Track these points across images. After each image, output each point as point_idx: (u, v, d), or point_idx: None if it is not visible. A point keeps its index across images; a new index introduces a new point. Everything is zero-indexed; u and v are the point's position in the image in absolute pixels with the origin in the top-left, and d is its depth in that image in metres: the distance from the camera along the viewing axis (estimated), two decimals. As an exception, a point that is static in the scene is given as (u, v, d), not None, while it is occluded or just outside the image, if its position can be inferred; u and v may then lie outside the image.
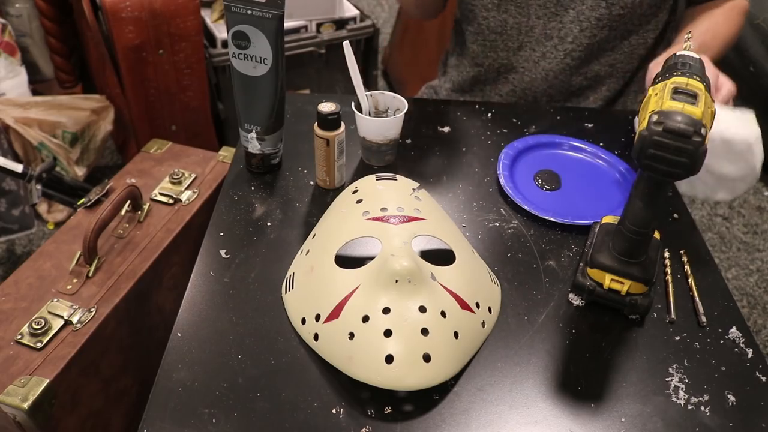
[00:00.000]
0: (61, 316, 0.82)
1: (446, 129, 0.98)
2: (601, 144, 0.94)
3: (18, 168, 1.31)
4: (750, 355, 0.66)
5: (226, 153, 1.15)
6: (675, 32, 1.06)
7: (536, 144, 0.93)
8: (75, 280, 0.88)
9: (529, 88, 1.07)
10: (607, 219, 0.73)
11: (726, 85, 0.82)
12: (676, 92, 0.58)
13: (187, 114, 1.81)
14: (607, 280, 0.67)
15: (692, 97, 0.58)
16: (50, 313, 0.83)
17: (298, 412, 0.58)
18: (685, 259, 0.76)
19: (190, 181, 1.08)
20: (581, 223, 0.79)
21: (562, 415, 0.59)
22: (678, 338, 0.67)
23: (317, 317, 0.62)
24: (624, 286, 0.66)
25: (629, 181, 0.87)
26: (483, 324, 0.64)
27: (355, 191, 0.72)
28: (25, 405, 0.72)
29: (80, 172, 1.77)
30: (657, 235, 0.71)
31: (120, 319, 0.87)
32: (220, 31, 1.79)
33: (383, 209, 0.67)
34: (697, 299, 0.71)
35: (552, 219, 0.79)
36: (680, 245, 0.79)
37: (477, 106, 1.04)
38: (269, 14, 0.74)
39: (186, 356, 0.63)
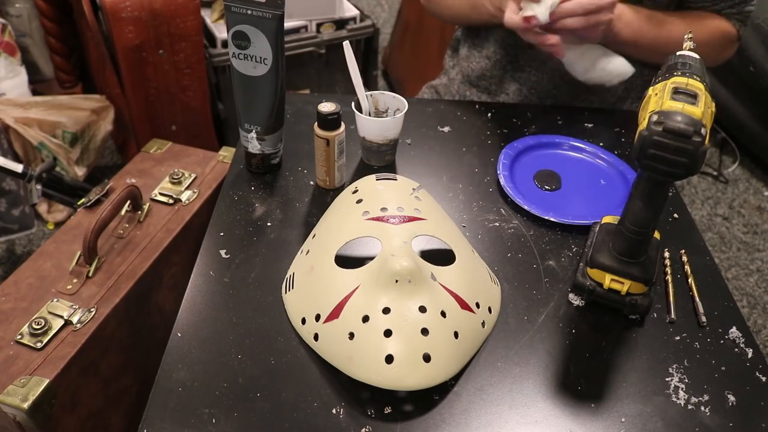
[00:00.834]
0: (61, 316, 0.82)
1: (446, 129, 0.98)
2: (601, 144, 0.94)
3: (18, 168, 1.31)
4: (750, 355, 0.66)
5: (226, 153, 1.15)
6: None
7: (536, 144, 0.93)
8: (75, 280, 0.88)
9: (535, 87, 1.07)
10: (607, 219, 0.73)
11: None
12: (676, 92, 0.58)
13: (187, 114, 1.81)
14: (607, 280, 0.67)
15: (692, 97, 0.58)
16: (50, 313, 0.83)
17: (298, 412, 0.58)
18: (685, 259, 0.76)
19: (190, 181, 1.08)
20: (581, 223, 0.79)
21: (562, 415, 0.59)
22: (678, 338, 0.67)
23: (317, 317, 0.62)
24: (624, 286, 0.66)
25: (629, 181, 0.87)
26: (483, 324, 0.64)
27: (355, 191, 0.72)
28: (25, 405, 0.72)
29: (80, 172, 1.77)
30: (657, 235, 0.71)
31: (120, 319, 0.87)
32: (220, 31, 1.79)
33: (383, 209, 0.67)
34: (697, 299, 0.71)
35: (552, 219, 0.79)
36: (680, 245, 0.79)
37: (477, 106, 1.04)
38: (269, 14, 0.74)
39: (186, 356, 0.63)
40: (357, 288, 0.61)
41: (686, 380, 0.63)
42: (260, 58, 0.77)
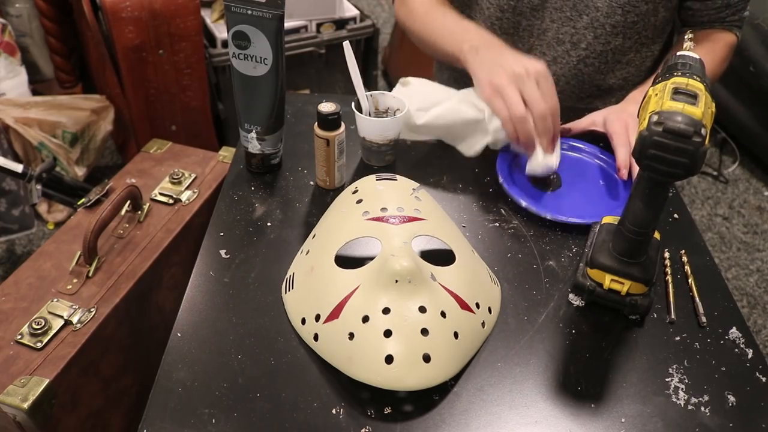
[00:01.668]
0: (61, 316, 0.82)
1: (446, 129, 0.97)
2: (600, 144, 0.94)
3: (18, 168, 1.31)
4: (750, 356, 0.66)
5: (226, 153, 1.15)
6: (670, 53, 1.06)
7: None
8: (75, 280, 0.88)
9: None
10: (607, 219, 0.73)
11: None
12: (677, 92, 0.58)
13: (187, 114, 1.81)
14: (607, 281, 0.67)
15: (692, 97, 0.58)
16: (50, 313, 0.83)
17: (298, 412, 0.58)
18: (685, 259, 0.76)
19: (190, 181, 1.08)
20: (581, 223, 0.79)
21: (562, 415, 0.59)
22: (678, 338, 0.67)
23: (317, 317, 0.62)
24: (624, 286, 0.66)
25: (629, 182, 0.87)
26: (483, 324, 0.64)
27: (355, 191, 0.72)
28: (25, 405, 0.72)
29: (80, 172, 1.77)
30: (657, 235, 0.71)
31: (120, 319, 0.87)
32: (220, 31, 1.79)
33: (383, 209, 0.67)
34: (697, 299, 0.71)
35: (552, 219, 0.79)
36: (680, 245, 0.79)
37: (477, 106, 1.03)
38: (269, 14, 0.74)
39: (186, 356, 0.63)
40: (357, 288, 0.61)
41: (686, 380, 0.63)
42: (260, 58, 0.77)
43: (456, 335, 0.60)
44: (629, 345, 0.66)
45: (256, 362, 0.62)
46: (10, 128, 1.65)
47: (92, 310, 0.84)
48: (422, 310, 0.59)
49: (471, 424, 0.58)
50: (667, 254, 0.77)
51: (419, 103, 0.86)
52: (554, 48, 1.02)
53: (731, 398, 0.61)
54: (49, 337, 0.80)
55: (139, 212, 0.99)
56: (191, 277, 0.71)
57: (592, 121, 0.94)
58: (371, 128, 0.85)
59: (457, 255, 0.66)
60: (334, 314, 0.61)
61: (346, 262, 0.64)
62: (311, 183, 0.86)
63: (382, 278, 0.59)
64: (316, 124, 0.80)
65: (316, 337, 0.62)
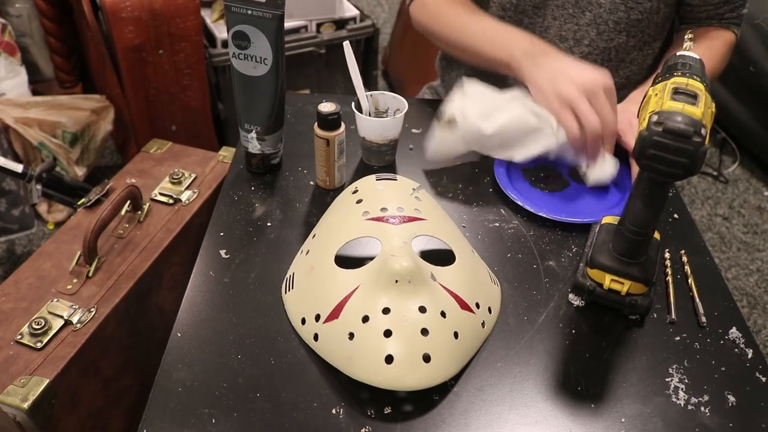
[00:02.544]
0: (61, 316, 0.82)
1: (446, 129, 0.97)
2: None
3: (18, 168, 1.31)
4: (750, 356, 0.66)
5: (226, 153, 1.15)
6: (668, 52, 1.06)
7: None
8: (75, 280, 0.88)
9: None
10: (607, 219, 0.73)
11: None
12: (676, 92, 0.58)
13: (187, 114, 1.81)
14: (607, 281, 0.67)
15: (692, 97, 0.58)
16: (50, 313, 0.83)
17: (298, 412, 0.58)
18: (685, 259, 0.76)
19: (190, 181, 1.08)
20: (581, 223, 0.79)
21: (562, 415, 0.59)
22: (678, 338, 0.67)
23: (317, 317, 0.62)
24: (624, 286, 0.66)
25: (628, 182, 0.87)
26: (483, 324, 0.64)
27: (355, 191, 0.72)
28: (25, 405, 0.72)
29: (80, 172, 1.77)
30: (657, 235, 0.71)
31: (120, 319, 0.87)
32: (220, 31, 1.79)
33: (383, 209, 0.67)
34: (697, 299, 0.71)
35: (552, 218, 0.79)
36: (680, 245, 0.79)
37: (477, 106, 1.03)
38: (269, 14, 0.74)
39: (186, 356, 0.63)
40: (357, 288, 0.61)
41: (686, 380, 0.63)
42: (260, 58, 0.77)
43: (456, 335, 0.60)
44: (629, 345, 0.66)
45: (256, 362, 0.62)
46: (10, 128, 1.65)
47: (92, 310, 0.84)
48: (422, 310, 0.59)
49: (471, 424, 0.58)
50: (667, 254, 0.77)
51: (482, 111, 0.82)
52: (557, 45, 1.01)
53: (731, 398, 0.61)
54: (49, 337, 0.79)
55: (139, 212, 0.99)
56: (191, 277, 0.71)
57: None
58: (371, 128, 0.85)
59: (457, 255, 0.66)
60: (334, 314, 0.61)
61: (346, 262, 0.64)
62: (311, 183, 0.86)
63: (382, 278, 0.59)
64: (316, 124, 0.80)
65: (316, 337, 0.62)
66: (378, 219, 0.66)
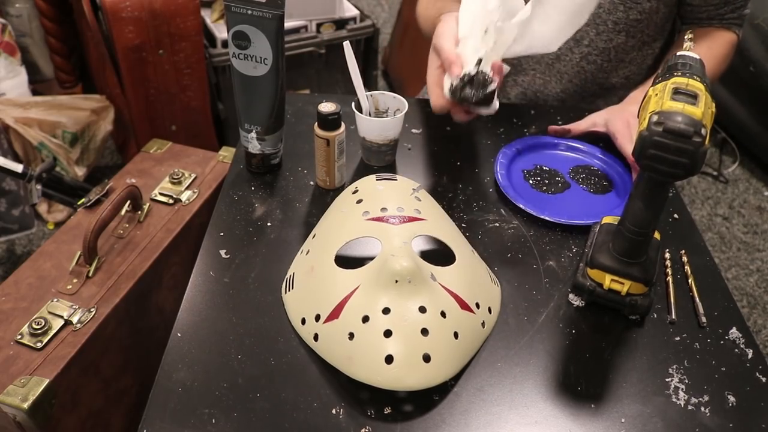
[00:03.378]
0: (61, 316, 0.82)
1: (446, 129, 0.98)
2: (600, 145, 0.94)
3: (18, 168, 1.31)
4: (750, 356, 0.66)
5: (226, 153, 1.15)
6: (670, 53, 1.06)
7: (536, 144, 0.93)
8: (75, 280, 0.88)
9: (542, 91, 1.06)
10: (607, 219, 0.73)
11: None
12: (677, 92, 0.58)
13: (187, 114, 1.81)
14: (607, 281, 0.67)
15: (692, 97, 0.58)
16: (50, 313, 0.83)
17: (298, 412, 0.58)
18: (685, 259, 0.76)
19: (190, 181, 1.08)
20: (581, 223, 0.79)
21: (562, 415, 0.59)
22: (678, 338, 0.67)
23: (317, 317, 0.62)
24: (624, 286, 0.66)
25: (628, 182, 0.87)
26: (483, 324, 0.64)
27: (355, 191, 0.72)
28: (25, 405, 0.72)
29: (80, 172, 1.77)
30: (657, 235, 0.71)
31: (120, 319, 0.87)
32: (220, 31, 1.79)
33: (383, 209, 0.67)
34: (697, 299, 0.71)
35: (551, 219, 0.79)
36: (680, 245, 0.79)
37: (477, 106, 1.03)
38: (269, 14, 0.74)
39: (186, 356, 0.63)
40: (357, 288, 0.61)
41: (686, 381, 0.63)
42: (260, 58, 0.77)
43: (456, 335, 0.60)
44: (629, 345, 0.66)
45: (256, 362, 0.62)
46: (10, 128, 1.65)
47: (92, 310, 0.84)
48: (422, 310, 0.59)
49: (471, 424, 0.58)
50: (667, 254, 0.77)
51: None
52: None
53: (731, 398, 0.61)
54: (49, 337, 0.79)
55: (139, 212, 0.99)
56: (191, 277, 0.71)
57: (592, 122, 0.94)
58: (371, 128, 0.85)
59: (457, 255, 0.66)
60: (334, 314, 0.61)
61: (346, 262, 0.64)
62: (311, 183, 0.86)
63: (382, 278, 0.59)
64: (316, 124, 0.80)
65: (316, 337, 0.62)
66: (378, 219, 0.66)
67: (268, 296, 0.69)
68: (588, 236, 0.77)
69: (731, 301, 0.72)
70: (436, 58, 0.85)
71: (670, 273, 0.74)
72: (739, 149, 2.28)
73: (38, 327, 0.80)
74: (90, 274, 0.89)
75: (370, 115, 0.87)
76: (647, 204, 0.62)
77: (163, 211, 1.02)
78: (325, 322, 0.61)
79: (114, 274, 0.90)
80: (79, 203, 1.05)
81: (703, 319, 0.69)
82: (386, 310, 0.59)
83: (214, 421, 0.57)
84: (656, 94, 0.61)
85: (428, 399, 0.59)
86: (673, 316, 0.69)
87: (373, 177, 0.73)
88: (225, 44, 1.77)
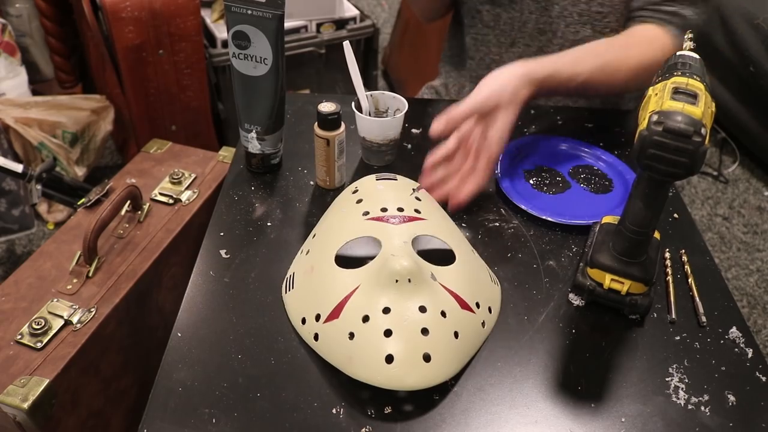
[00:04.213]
0: (61, 316, 0.82)
1: (446, 129, 0.97)
2: (600, 144, 0.94)
3: (18, 168, 1.31)
4: (750, 355, 0.66)
5: (226, 153, 1.15)
6: None
7: (536, 144, 0.93)
8: (75, 280, 0.88)
9: None
10: (607, 219, 0.73)
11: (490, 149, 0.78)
12: (676, 92, 0.58)
13: (187, 114, 1.81)
14: (607, 280, 0.67)
15: (692, 97, 0.58)
16: (50, 313, 0.83)
17: (298, 412, 0.58)
18: (685, 259, 0.76)
19: (190, 181, 1.08)
20: (581, 223, 0.79)
21: (562, 415, 0.59)
22: (678, 338, 0.67)
23: (317, 317, 0.62)
24: (624, 286, 0.66)
25: (629, 181, 0.87)
26: (483, 324, 0.64)
27: (356, 191, 0.72)
28: (25, 405, 0.72)
29: (80, 172, 1.77)
30: (657, 235, 0.71)
31: (120, 319, 0.87)
32: (220, 31, 1.79)
33: (383, 209, 0.67)
34: (697, 299, 0.71)
35: (552, 219, 0.79)
36: (680, 245, 0.79)
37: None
38: (269, 14, 0.74)
39: (186, 356, 0.63)
40: (357, 288, 0.61)
41: (686, 380, 0.63)
42: (260, 58, 0.77)
43: (456, 335, 0.60)
44: (629, 345, 0.66)
45: (256, 362, 0.62)
46: (10, 128, 1.65)
47: (92, 310, 0.84)
48: (422, 309, 0.59)
49: (471, 424, 0.58)
50: (667, 254, 0.77)
51: None
52: (537, 38, 1.02)
53: (731, 398, 0.61)
54: (49, 337, 0.79)
55: (139, 212, 0.99)
56: (191, 277, 0.71)
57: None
58: (371, 128, 0.85)
59: (458, 255, 0.66)
60: (335, 314, 0.61)
61: (347, 261, 0.64)
62: (311, 183, 0.86)
63: (382, 278, 0.59)
64: (316, 124, 0.80)
65: (316, 337, 0.62)
66: (378, 219, 0.66)
67: (268, 296, 0.69)
68: (588, 236, 0.77)
69: (731, 301, 0.72)
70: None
71: (670, 273, 0.74)
72: (739, 149, 2.28)
73: (38, 327, 0.80)
74: (90, 274, 0.89)
75: (370, 115, 0.87)
76: (647, 204, 0.62)
77: (163, 211, 1.02)
78: (325, 322, 0.61)
79: (114, 274, 0.90)
80: (79, 203, 1.05)
81: (703, 319, 0.69)
82: (386, 310, 0.59)
83: (214, 421, 0.57)
84: (656, 94, 0.61)
85: (428, 399, 0.59)
86: (673, 316, 0.69)
87: (373, 177, 0.73)
88: (225, 44, 1.77)
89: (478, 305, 0.64)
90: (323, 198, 0.84)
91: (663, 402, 0.61)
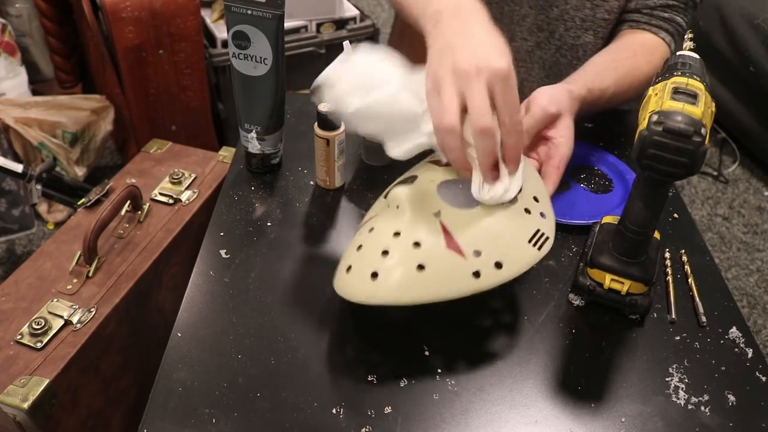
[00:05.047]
0: (61, 316, 0.82)
1: (446, 129, 0.97)
2: (600, 144, 0.94)
3: (18, 168, 1.31)
4: (750, 355, 0.66)
5: (226, 153, 1.15)
6: None
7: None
8: (75, 280, 0.88)
9: (527, 78, 1.05)
10: (607, 219, 0.73)
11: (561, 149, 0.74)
12: (676, 92, 0.58)
13: (187, 114, 1.82)
14: (607, 280, 0.67)
15: (692, 97, 0.58)
16: (50, 313, 0.83)
17: (298, 412, 0.58)
18: (685, 259, 0.76)
19: (190, 181, 1.08)
20: (581, 223, 0.79)
21: (562, 415, 0.59)
22: (678, 338, 0.67)
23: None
24: (624, 286, 0.66)
25: (629, 181, 0.87)
26: (477, 274, 0.59)
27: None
28: (25, 405, 0.72)
29: (80, 172, 1.77)
30: (657, 235, 0.71)
31: (120, 319, 0.87)
32: (220, 31, 1.79)
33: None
34: (697, 299, 0.71)
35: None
36: (680, 245, 0.79)
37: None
38: (269, 14, 0.74)
39: (186, 356, 0.63)
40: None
41: (686, 380, 0.63)
42: (260, 58, 0.77)
43: (421, 267, 0.58)
44: (629, 345, 0.66)
45: (256, 362, 0.62)
46: (10, 128, 1.65)
47: (92, 310, 0.84)
48: (396, 234, 0.60)
49: (471, 424, 0.58)
50: (667, 254, 0.77)
51: (353, 86, 0.66)
52: (536, 34, 1.01)
53: (731, 398, 0.61)
54: (49, 337, 0.80)
55: (139, 212, 0.99)
56: (191, 277, 0.71)
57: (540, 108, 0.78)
58: (371, 128, 0.85)
59: (486, 206, 0.62)
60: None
61: None
62: (311, 183, 0.86)
63: (385, 203, 0.64)
64: (316, 124, 0.80)
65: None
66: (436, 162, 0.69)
67: (268, 296, 0.69)
68: (588, 236, 0.77)
69: (731, 301, 0.72)
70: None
71: (670, 273, 0.74)
72: (739, 149, 2.28)
73: (38, 327, 0.80)
74: (90, 274, 0.89)
75: (370, 115, 0.87)
76: (647, 204, 0.62)
77: (163, 211, 1.02)
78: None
79: (114, 274, 0.90)
80: (79, 203, 1.05)
81: (703, 319, 0.69)
82: (371, 229, 0.62)
83: (214, 421, 0.57)
84: (656, 94, 0.61)
85: (428, 399, 0.60)
86: (673, 316, 0.69)
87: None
88: (225, 44, 1.77)
89: (477, 253, 0.59)
90: (323, 198, 0.84)
91: (663, 402, 0.61)
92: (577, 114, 0.79)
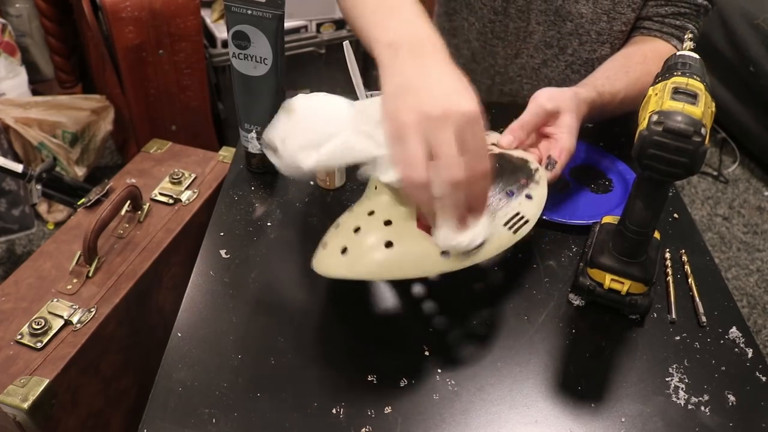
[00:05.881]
0: (61, 316, 0.82)
1: (446, 129, 0.97)
2: (600, 144, 0.94)
3: (18, 168, 1.31)
4: (750, 355, 0.66)
5: (226, 153, 1.15)
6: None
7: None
8: (75, 280, 0.88)
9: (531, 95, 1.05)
10: (607, 219, 0.73)
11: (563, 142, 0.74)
12: (676, 92, 0.58)
13: (187, 114, 1.82)
14: (607, 280, 0.67)
15: (692, 97, 0.58)
16: (50, 313, 0.83)
17: (298, 412, 0.58)
18: (685, 259, 0.76)
19: (190, 181, 1.08)
20: (581, 223, 0.79)
21: (562, 414, 0.59)
22: (678, 338, 0.67)
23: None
24: (624, 286, 0.66)
25: (629, 181, 0.87)
26: (445, 254, 0.59)
27: None
28: (25, 405, 0.72)
29: (80, 172, 1.77)
30: (657, 235, 0.71)
31: (120, 319, 0.87)
32: (220, 31, 1.79)
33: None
34: (697, 299, 0.71)
35: (551, 219, 0.79)
36: (680, 245, 0.79)
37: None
38: (269, 14, 0.75)
39: (186, 356, 0.63)
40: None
41: (686, 380, 0.63)
42: (260, 58, 0.77)
43: (390, 244, 0.59)
44: (629, 345, 0.66)
45: (256, 362, 0.62)
46: (10, 128, 1.65)
47: (92, 310, 0.84)
48: (370, 213, 0.61)
49: (471, 424, 0.58)
50: (667, 254, 0.77)
51: (304, 140, 0.64)
52: (543, 51, 1.00)
53: (731, 398, 0.61)
54: (49, 337, 0.79)
55: (139, 212, 0.99)
56: (191, 277, 0.71)
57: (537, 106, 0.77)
58: (371, 128, 0.85)
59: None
60: None
61: None
62: (311, 183, 0.86)
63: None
64: (316, 124, 0.80)
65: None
66: None
67: (268, 296, 0.69)
68: (588, 236, 0.77)
69: (731, 301, 0.72)
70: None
71: (670, 273, 0.74)
72: (739, 149, 2.28)
73: (38, 327, 0.80)
74: (90, 274, 0.89)
75: (370, 115, 0.87)
76: (647, 204, 0.62)
77: (163, 211, 1.02)
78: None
79: (114, 274, 0.90)
80: (79, 203, 1.05)
81: (703, 319, 0.69)
82: (350, 209, 0.64)
83: (214, 421, 0.57)
84: (656, 94, 0.61)
85: (428, 399, 0.60)
86: (673, 316, 0.69)
87: None
88: (225, 44, 1.77)
89: None
90: (323, 198, 0.84)
91: (663, 402, 0.61)
92: (586, 116, 0.79)
